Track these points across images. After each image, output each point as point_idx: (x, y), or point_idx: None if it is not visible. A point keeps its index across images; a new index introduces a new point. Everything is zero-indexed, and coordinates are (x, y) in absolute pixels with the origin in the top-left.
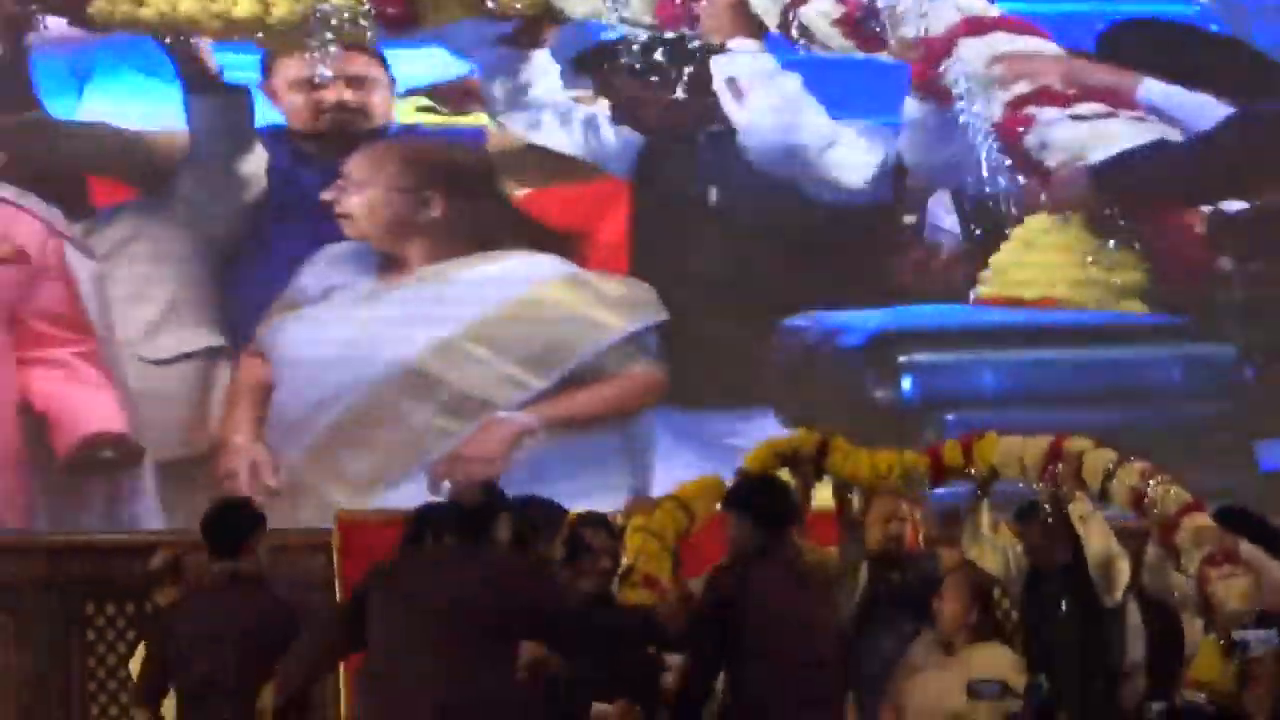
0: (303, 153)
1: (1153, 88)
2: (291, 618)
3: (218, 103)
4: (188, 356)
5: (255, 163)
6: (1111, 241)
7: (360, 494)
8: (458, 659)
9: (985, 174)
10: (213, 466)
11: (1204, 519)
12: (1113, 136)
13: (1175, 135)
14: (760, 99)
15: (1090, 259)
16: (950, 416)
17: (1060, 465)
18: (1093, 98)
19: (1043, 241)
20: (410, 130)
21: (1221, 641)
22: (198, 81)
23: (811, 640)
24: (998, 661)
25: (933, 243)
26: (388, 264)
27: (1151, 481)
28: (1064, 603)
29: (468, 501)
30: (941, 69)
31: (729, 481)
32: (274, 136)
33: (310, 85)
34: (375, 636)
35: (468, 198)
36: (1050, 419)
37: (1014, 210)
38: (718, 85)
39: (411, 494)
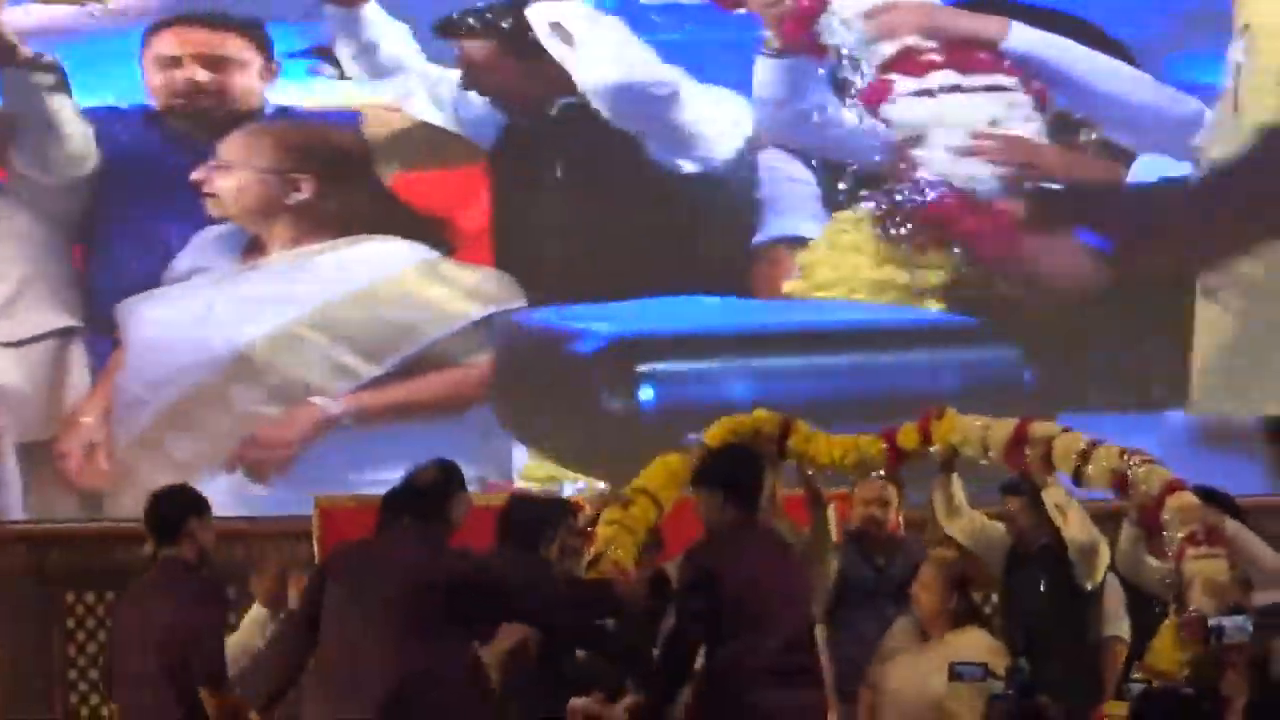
0: (174, 132)
1: (1021, 34)
2: (217, 609)
3: (24, 74)
4: (41, 338)
5: (79, 136)
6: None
7: (181, 477)
8: (410, 643)
9: (848, 143)
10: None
11: (1189, 497)
12: (956, 114)
13: (1022, 95)
14: (591, 44)
15: (887, 260)
16: (694, 436)
17: (1028, 450)
18: (957, 52)
19: (843, 241)
20: (285, 112)
21: (1179, 620)
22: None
23: (793, 614)
24: (977, 646)
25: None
26: (251, 247)
27: (1132, 462)
28: (1043, 584)
29: (421, 482)
30: (816, 27)
31: (692, 459)
32: (146, 115)
33: (168, 63)
34: (328, 623)
35: (339, 182)
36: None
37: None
38: (541, 33)
39: (229, 482)
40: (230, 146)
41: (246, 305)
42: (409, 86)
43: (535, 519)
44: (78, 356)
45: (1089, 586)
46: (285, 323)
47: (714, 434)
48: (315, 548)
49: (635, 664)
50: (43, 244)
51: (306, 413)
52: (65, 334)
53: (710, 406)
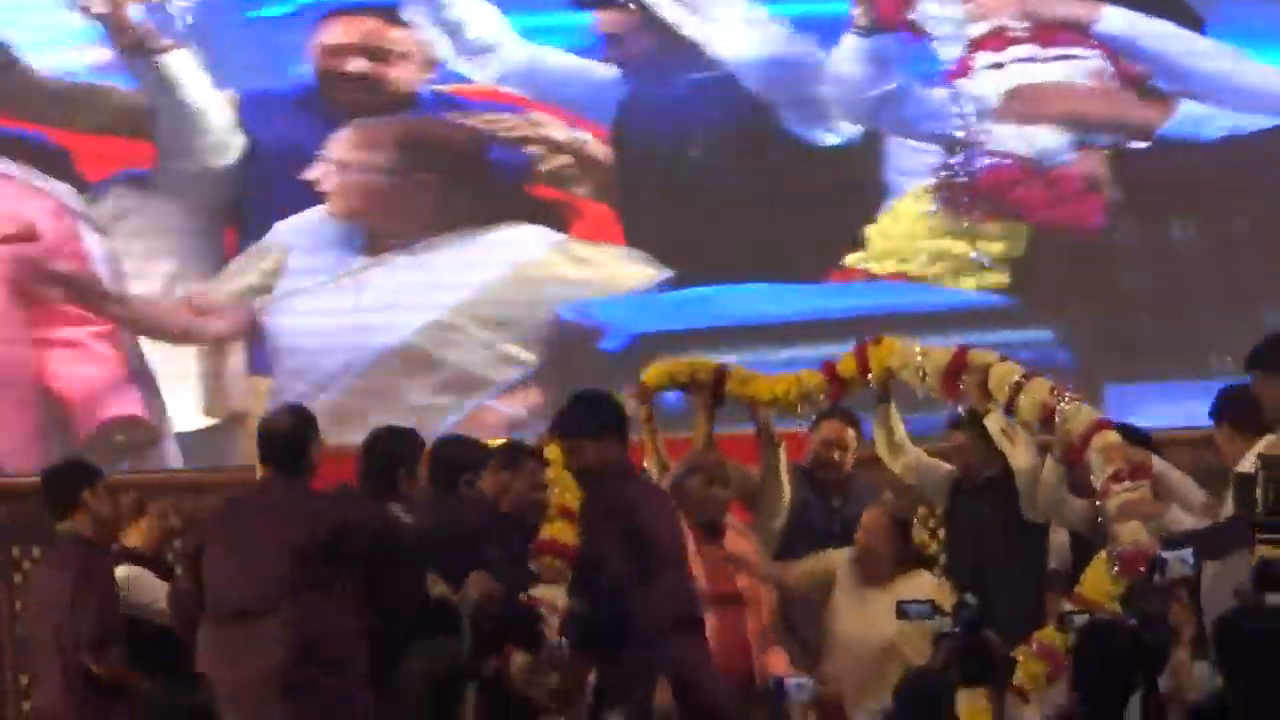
0: (328, 118)
1: (1114, 18)
2: (100, 582)
3: (157, 64)
4: None
5: (221, 123)
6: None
7: None
8: (302, 600)
9: (927, 121)
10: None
11: (1114, 437)
12: (1019, 82)
13: (1095, 63)
14: (724, 20)
15: (945, 231)
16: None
17: (965, 377)
18: (1044, 32)
19: (905, 212)
20: (449, 101)
21: (1115, 555)
22: (129, 44)
23: (686, 557)
24: (923, 590)
25: None
26: (374, 240)
27: (1062, 398)
28: (991, 517)
29: (280, 431)
30: (910, 6)
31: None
32: (299, 100)
33: (332, 51)
34: (212, 585)
35: (460, 176)
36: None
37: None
38: (669, 13)
39: None
40: (341, 144)
41: (394, 300)
42: (505, 66)
43: (453, 460)
44: (234, 346)
45: (1036, 519)
46: (439, 315)
47: (651, 375)
48: None
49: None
50: (193, 233)
51: (491, 416)
52: None
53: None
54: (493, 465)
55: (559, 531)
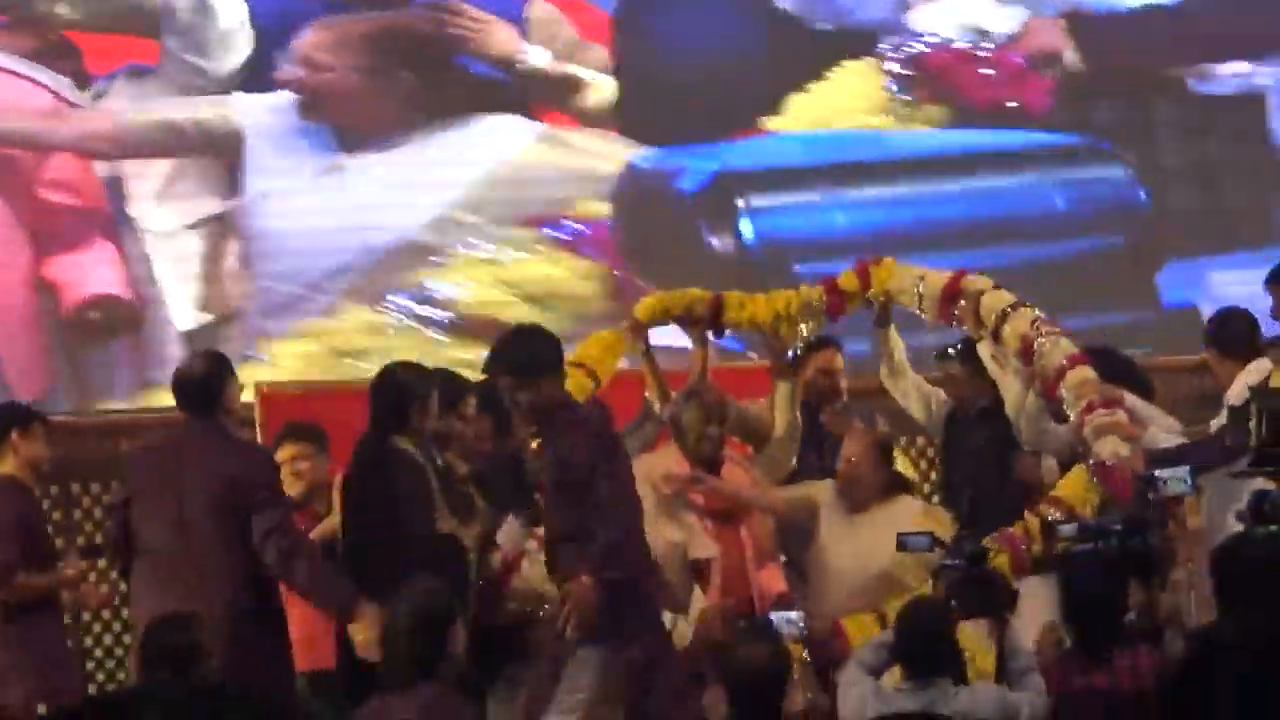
0: (336, 5)
1: None
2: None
3: None
4: (196, 225)
5: (232, 17)
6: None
7: None
8: (235, 546)
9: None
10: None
11: (1088, 372)
12: None
13: None
14: None
15: (881, 109)
16: (799, 266)
17: (962, 302)
18: None
19: (844, 87)
20: None
21: (1095, 466)
22: None
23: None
24: (910, 514)
25: None
26: (346, 137)
27: (1042, 331)
28: (985, 447)
29: (189, 375)
30: None
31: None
32: None
33: None
34: (141, 533)
35: (433, 68)
36: (918, 262)
37: None
38: None
39: None
40: (312, 45)
41: (387, 196)
42: None
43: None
44: (232, 245)
45: (1029, 447)
46: (438, 210)
47: (644, 309)
48: (258, 434)
49: None
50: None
51: None
52: (220, 219)
53: (814, 240)
54: (477, 408)
55: None
